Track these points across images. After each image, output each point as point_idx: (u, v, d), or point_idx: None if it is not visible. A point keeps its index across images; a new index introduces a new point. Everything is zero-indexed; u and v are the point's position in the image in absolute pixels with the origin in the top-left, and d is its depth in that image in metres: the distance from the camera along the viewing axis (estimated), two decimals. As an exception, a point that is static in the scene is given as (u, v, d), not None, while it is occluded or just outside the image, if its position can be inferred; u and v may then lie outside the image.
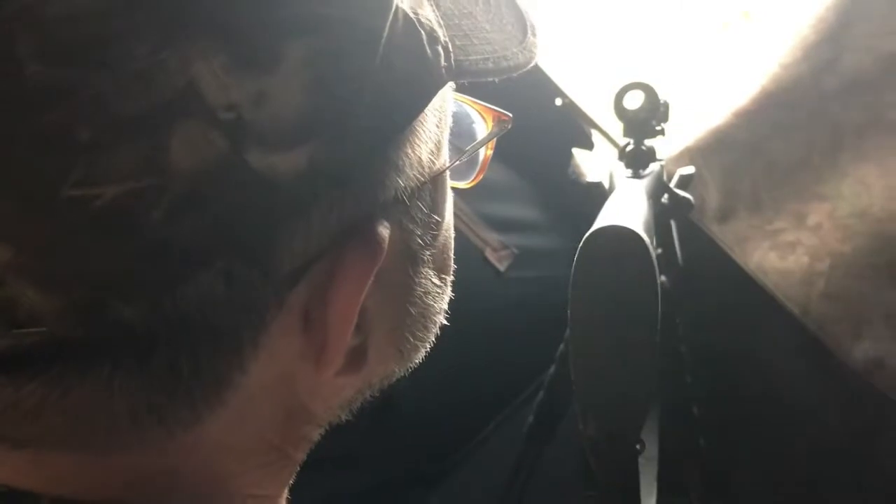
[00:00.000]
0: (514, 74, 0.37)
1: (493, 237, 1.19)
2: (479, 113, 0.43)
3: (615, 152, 0.95)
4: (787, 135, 1.03)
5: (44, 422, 0.28)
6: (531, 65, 0.38)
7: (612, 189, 0.74)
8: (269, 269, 0.27)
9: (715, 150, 1.07)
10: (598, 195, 0.83)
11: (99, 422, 0.28)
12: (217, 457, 0.33)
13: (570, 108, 1.15)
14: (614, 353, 0.46)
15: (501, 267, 1.19)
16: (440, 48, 0.31)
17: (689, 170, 0.80)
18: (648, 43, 1.26)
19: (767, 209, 1.05)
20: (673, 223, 0.84)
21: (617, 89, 0.71)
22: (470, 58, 0.33)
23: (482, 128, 0.43)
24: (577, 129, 1.17)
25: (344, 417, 0.40)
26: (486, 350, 1.09)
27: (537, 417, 0.87)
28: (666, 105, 0.77)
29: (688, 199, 0.73)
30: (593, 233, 0.47)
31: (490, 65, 0.35)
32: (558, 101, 1.15)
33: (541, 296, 1.20)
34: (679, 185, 0.77)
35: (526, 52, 0.37)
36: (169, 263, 0.25)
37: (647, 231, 0.50)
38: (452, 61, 0.32)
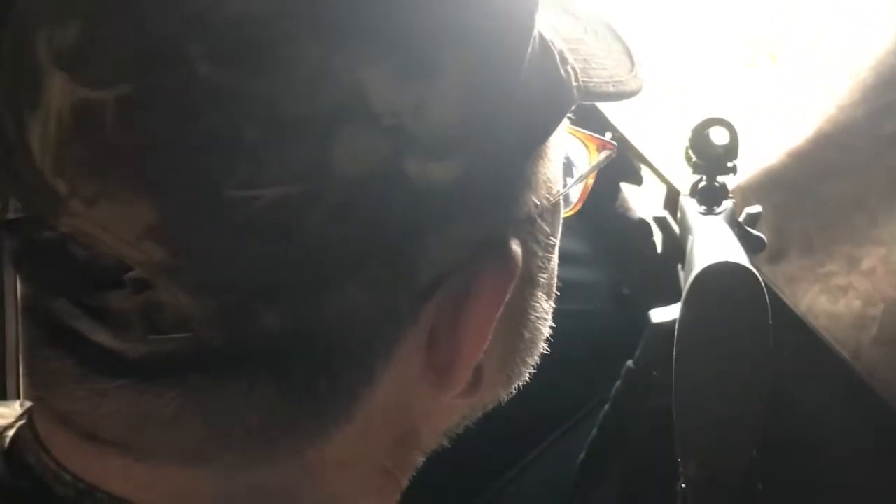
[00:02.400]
0: (630, 99, 0.38)
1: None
2: (582, 141, 0.44)
3: (666, 200, 0.94)
4: (842, 177, 1.02)
5: (179, 432, 0.27)
6: (641, 91, 0.39)
7: (682, 225, 0.74)
8: (411, 279, 0.27)
9: (767, 189, 1.07)
10: (662, 230, 0.82)
11: (234, 434, 0.28)
12: (336, 478, 0.32)
13: (620, 142, 1.15)
14: (721, 393, 0.45)
15: (546, 298, 1.18)
16: (570, 68, 0.32)
17: (757, 208, 0.79)
18: (696, 78, 1.26)
19: (819, 251, 1.04)
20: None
21: (698, 123, 0.71)
22: (592, 80, 0.34)
23: (583, 156, 0.44)
24: (626, 163, 1.17)
25: (445, 444, 0.39)
26: (525, 382, 1.07)
27: (589, 454, 0.85)
28: (738, 140, 0.77)
29: (760, 238, 0.72)
30: (706, 269, 0.46)
31: (611, 88, 0.36)
32: (608, 135, 1.15)
33: (583, 329, 1.19)
34: (747, 224, 0.77)
35: (637, 79, 0.39)
36: (320, 269, 0.25)
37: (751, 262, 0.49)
38: (581, 82, 0.32)
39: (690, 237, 0.63)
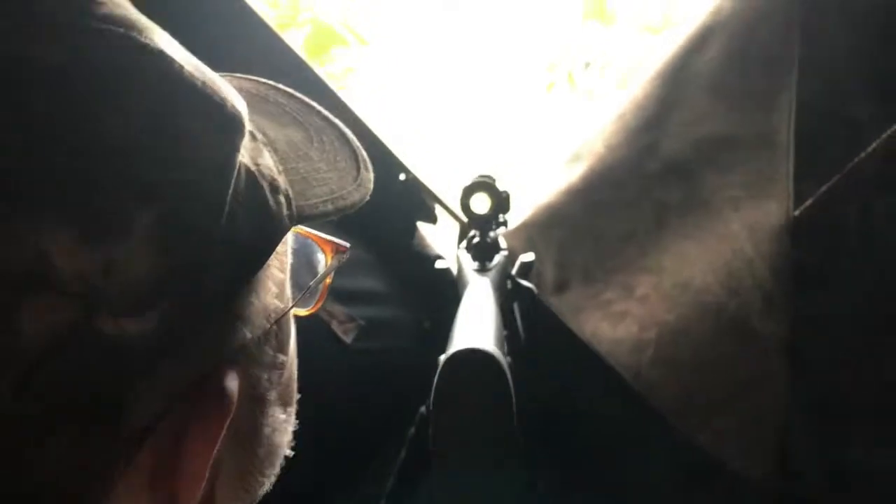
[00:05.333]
0: (351, 210, 0.39)
1: (338, 309, 1.19)
2: (318, 244, 0.45)
3: (459, 238, 0.98)
4: (614, 212, 1.10)
5: None
6: (365, 200, 0.40)
7: (459, 277, 0.77)
8: (119, 429, 0.28)
9: (549, 225, 1.13)
10: (445, 280, 0.86)
11: None
12: None
13: (414, 183, 1.18)
14: (476, 469, 0.48)
15: (347, 339, 1.19)
16: (282, 197, 0.32)
17: (529, 257, 0.84)
18: (483, 118, 1.31)
19: (598, 281, 1.11)
20: (516, 304, 0.88)
21: (462, 189, 0.74)
22: (309, 202, 0.35)
23: (321, 257, 0.45)
24: (420, 203, 1.20)
25: None
26: (332, 424, 1.08)
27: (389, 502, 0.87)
28: (507, 195, 0.80)
29: (530, 290, 0.77)
30: (451, 356, 0.49)
31: (329, 206, 0.37)
32: (402, 176, 1.18)
33: (387, 367, 1.21)
34: (520, 273, 0.81)
35: (361, 188, 0.40)
36: (20, 435, 0.25)
37: (500, 339, 0.52)
38: (294, 208, 0.33)
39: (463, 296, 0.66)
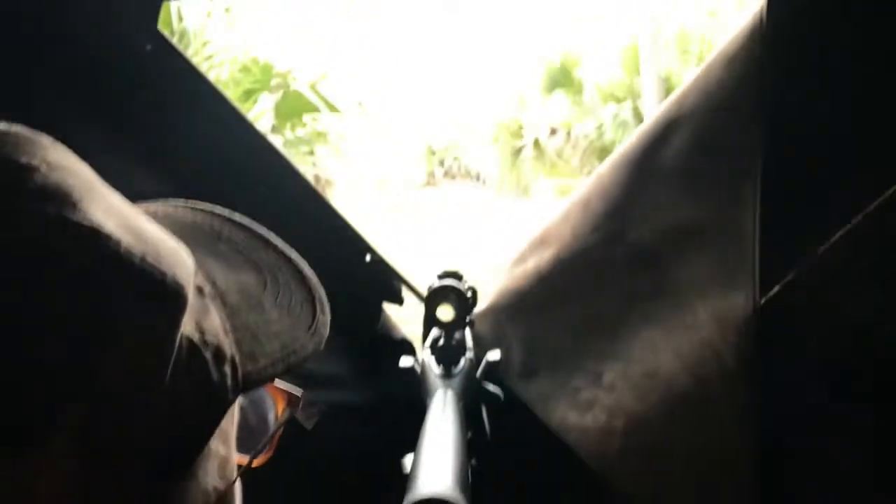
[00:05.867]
0: (303, 365, 0.37)
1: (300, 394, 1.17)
2: (270, 394, 0.43)
3: (424, 326, 0.96)
4: (582, 298, 1.09)
5: None
6: (320, 349, 0.38)
7: (424, 378, 0.75)
8: None
9: (516, 310, 1.12)
10: (407, 379, 0.84)
11: None
12: None
13: (380, 265, 1.17)
14: None
15: (308, 425, 1.16)
16: (227, 366, 0.31)
17: (495, 355, 0.82)
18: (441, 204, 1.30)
19: (566, 368, 1.10)
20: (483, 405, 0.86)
21: (427, 295, 0.73)
22: (258, 364, 0.34)
23: (271, 408, 0.44)
24: (386, 284, 1.19)
25: None
26: None
27: None
28: (474, 294, 0.79)
29: (496, 395, 0.75)
30: (413, 505, 0.47)
31: (279, 367, 0.35)
32: (367, 257, 1.16)
33: (349, 454, 1.19)
34: (486, 372, 0.79)
35: (316, 336, 0.38)
36: None
37: (463, 477, 0.51)
38: (240, 377, 0.32)
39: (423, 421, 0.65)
